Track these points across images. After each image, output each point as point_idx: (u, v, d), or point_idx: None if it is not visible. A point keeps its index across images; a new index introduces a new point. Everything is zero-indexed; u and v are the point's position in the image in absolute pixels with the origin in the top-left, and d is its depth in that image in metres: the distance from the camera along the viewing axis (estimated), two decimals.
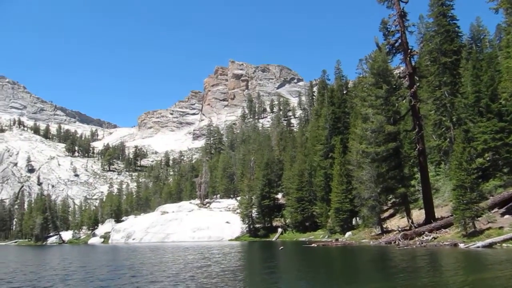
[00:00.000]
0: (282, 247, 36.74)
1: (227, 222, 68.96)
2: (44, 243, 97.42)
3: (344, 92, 68.37)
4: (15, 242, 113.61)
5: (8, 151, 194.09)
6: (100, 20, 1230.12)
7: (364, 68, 69.98)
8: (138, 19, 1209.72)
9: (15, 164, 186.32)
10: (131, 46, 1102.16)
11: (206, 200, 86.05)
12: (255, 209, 64.23)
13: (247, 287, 15.64)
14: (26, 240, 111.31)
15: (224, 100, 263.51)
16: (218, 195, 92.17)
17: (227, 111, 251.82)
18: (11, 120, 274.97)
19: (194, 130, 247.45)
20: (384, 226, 38.64)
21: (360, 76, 71.90)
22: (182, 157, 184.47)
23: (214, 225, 68.82)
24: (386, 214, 43.52)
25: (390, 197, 40.21)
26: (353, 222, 46.57)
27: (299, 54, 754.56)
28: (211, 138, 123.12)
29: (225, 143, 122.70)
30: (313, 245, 37.90)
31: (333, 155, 50.23)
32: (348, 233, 43.03)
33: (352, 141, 44.68)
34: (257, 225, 64.33)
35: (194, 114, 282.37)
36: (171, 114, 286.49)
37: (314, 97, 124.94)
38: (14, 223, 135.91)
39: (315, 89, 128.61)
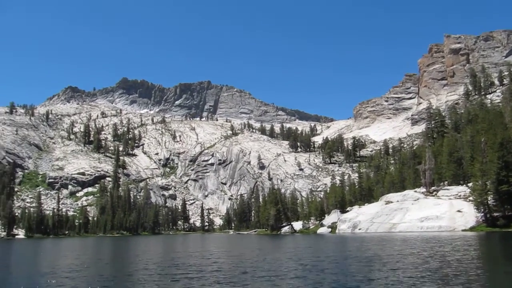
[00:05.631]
0: None
1: (459, 211, 63.59)
2: (278, 232, 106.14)
3: None
4: (255, 231, 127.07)
5: (242, 151, 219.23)
6: (311, 16, 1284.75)
7: None
8: (345, 11, 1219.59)
9: (249, 163, 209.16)
10: (337, 38, 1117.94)
11: (432, 187, 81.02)
12: (491, 195, 57.56)
13: None
14: (264, 229, 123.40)
15: (442, 79, 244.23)
16: (446, 182, 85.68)
17: (447, 90, 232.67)
18: (242, 124, 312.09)
19: (412, 115, 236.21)
20: None
21: None
22: (402, 144, 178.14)
23: (443, 214, 64.32)
24: None
25: None
26: None
27: None
28: (432, 122, 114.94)
29: (448, 126, 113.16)
30: None
31: None
32: None
33: None
34: (495, 214, 57.52)
35: (410, 98, 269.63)
36: (386, 101, 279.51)
37: None
38: (252, 214, 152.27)
39: None
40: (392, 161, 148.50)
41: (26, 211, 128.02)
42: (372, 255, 26.90)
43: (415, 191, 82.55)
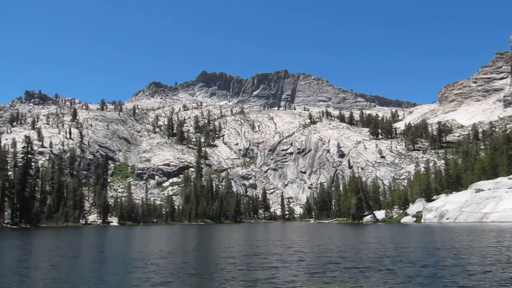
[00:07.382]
0: None
1: None
2: (360, 221, 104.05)
3: None
4: (336, 220, 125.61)
5: (321, 140, 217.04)
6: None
7: None
8: None
9: (328, 151, 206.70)
10: (420, 22, 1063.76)
11: None
12: None
13: None
14: (345, 218, 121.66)
15: None
16: None
17: None
18: (320, 112, 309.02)
19: (504, 97, 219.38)
20: None
21: None
22: (493, 128, 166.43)
23: None
24: None
25: None
26: None
27: None
28: None
29: None
30: None
31: None
32: None
33: None
34: None
35: (502, 78, 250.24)
36: (474, 82, 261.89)
37: None
38: (333, 203, 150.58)
39: None
40: (482, 147, 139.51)
41: (118, 200, 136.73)
42: (466, 246, 25.30)
43: (510, 178, 77.04)
